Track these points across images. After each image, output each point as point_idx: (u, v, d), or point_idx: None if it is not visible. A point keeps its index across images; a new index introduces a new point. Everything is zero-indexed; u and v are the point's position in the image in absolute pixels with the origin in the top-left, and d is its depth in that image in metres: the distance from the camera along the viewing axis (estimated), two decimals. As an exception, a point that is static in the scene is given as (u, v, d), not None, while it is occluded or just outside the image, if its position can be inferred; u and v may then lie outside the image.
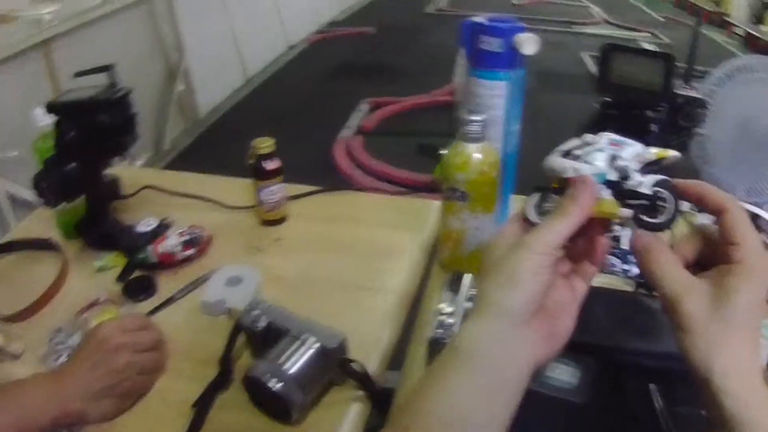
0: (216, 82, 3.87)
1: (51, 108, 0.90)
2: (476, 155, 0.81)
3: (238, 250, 1.01)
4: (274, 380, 0.65)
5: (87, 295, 0.88)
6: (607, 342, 0.67)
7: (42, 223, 1.07)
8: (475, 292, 0.59)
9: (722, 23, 6.31)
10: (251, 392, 0.70)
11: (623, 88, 0.96)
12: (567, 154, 0.47)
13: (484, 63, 0.84)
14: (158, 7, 3.26)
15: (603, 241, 0.48)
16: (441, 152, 0.84)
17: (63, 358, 0.78)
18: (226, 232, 1.04)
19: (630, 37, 5.84)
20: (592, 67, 4.53)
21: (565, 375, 0.62)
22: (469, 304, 0.79)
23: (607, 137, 0.48)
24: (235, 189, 1.14)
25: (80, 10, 2.60)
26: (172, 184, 1.18)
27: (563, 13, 6.63)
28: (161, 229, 0.98)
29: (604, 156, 0.46)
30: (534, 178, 0.50)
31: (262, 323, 0.72)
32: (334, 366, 0.71)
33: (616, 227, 0.47)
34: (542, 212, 0.47)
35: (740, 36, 5.95)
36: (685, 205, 0.46)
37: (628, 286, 0.86)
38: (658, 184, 0.45)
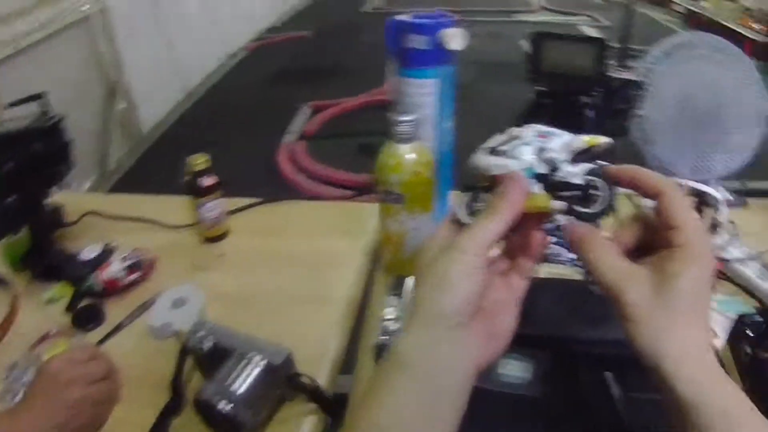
0: (157, 96, 3.80)
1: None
2: (409, 156, 0.80)
3: (182, 270, 1.00)
4: (224, 402, 0.64)
5: (39, 328, 0.87)
6: (559, 333, 0.67)
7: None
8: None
9: (662, 1, 6.42)
10: (203, 415, 0.69)
11: (556, 76, 0.96)
12: (493, 151, 0.46)
13: (411, 61, 0.83)
14: (94, 26, 3.17)
15: (538, 236, 0.47)
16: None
17: (20, 396, 0.76)
18: (170, 253, 1.03)
19: (569, 22, 5.95)
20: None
21: (517, 370, 0.62)
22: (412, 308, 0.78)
23: (534, 129, 0.47)
24: (177, 208, 1.12)
25: (13, 36, 2.49)
26: (114, 208, 1.16)
27: (503, 2, 6.72)
28: (105, 255, 0.96)
29: (531, 149, 0.45)
30: (474, 173, 0.49)
31: (207, 344, 0.71)
32: (282, 382, 0.70)
33: (558, 217, 0.46)
34: (473, 212, 0.46)
35: (680, 13, 6.04)
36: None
37: (577, 275, 0.84)
38: (590, 172, 0.44)
